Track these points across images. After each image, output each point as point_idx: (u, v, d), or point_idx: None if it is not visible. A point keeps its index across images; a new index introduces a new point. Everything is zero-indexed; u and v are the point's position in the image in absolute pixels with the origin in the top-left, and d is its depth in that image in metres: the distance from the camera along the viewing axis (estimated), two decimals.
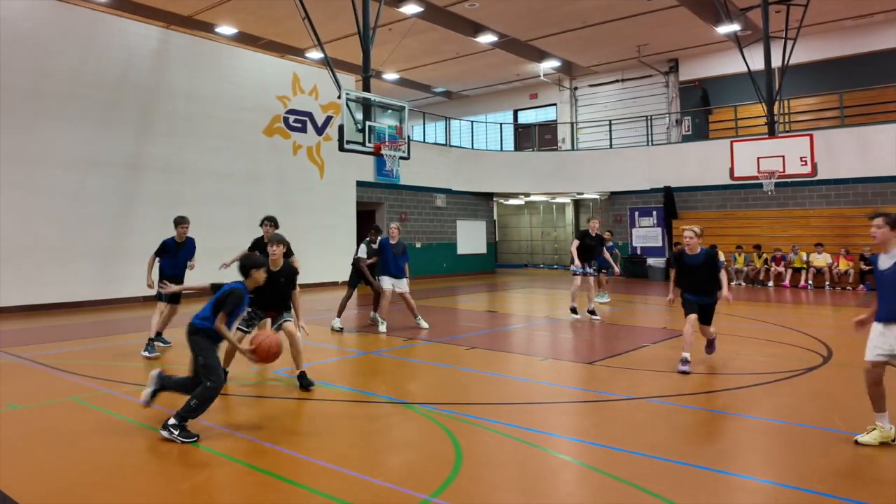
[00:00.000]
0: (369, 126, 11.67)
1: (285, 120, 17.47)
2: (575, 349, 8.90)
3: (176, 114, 15.20)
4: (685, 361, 6.87)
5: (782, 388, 6.27)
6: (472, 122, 26.31)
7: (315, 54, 21.89)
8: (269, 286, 5.91)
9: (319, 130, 18.33)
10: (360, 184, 19.49)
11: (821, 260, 17.40)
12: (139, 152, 14.53)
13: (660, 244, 21.72)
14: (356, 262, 10.54)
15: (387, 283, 10.19)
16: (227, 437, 4.82)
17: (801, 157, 16.46)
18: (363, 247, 10.57)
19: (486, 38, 21.12)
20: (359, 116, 11.75)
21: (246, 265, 5.34)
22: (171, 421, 4.71)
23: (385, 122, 12.42)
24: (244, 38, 20.19)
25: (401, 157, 12.02)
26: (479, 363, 7.70)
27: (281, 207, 17.10)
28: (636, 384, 6.44)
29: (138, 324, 11.22)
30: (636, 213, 22.61)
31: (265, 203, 16.78)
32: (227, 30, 19.91)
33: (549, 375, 7.01)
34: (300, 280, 6.75)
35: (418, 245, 21.30)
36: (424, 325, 10.27)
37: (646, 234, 22.30)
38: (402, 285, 10.31)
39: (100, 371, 7.17)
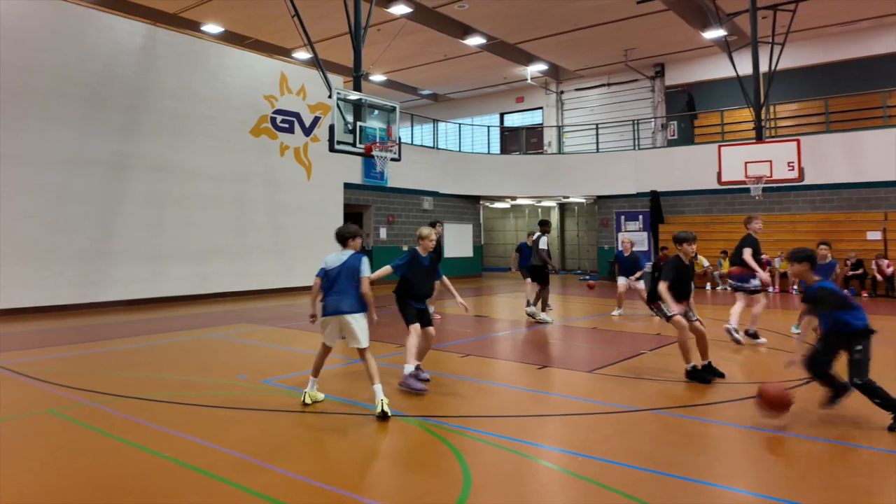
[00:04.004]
0: (360, 127, 11.33)
1: (272, 120, 17.04)
2: (572, 357, 8.63)
3: (163, 112, 14.73)
4: (419, 369, 6.50)
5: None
6: (459, 124, 26.03)
7: (302, 55, 21.50)
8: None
9: (307, 131, 17.93)
10: (347, 186, 19.11)
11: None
12: (125, 151, 14.04)
13: (646, 248, 21.55)
14: (537, 254, 11.41)
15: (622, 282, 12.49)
16: (211, 453, 4.46)
17: (788, 162, 16.34)
18: (544, 239, 11.56)
19: (475, 41, 20.87)
20: (349, 117, 11.43)
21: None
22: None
23: (372, 124, 12.07)
24: (230, 38, 19.74)
25: (392, 159, 11.69)
26: (475, 372, 7.39)
27: (268, 209, 16.72)
28: (639, 394, 6.17)
29: (123, 329, 10.80)
30: (622, 218, 22.45)
31: (253, 204, 16.39)
32: (213, 28, 19.46)
33: (549, 385, 6.72)
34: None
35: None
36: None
37: (632, 239, 22.09)
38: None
39: (80, 380, 6.76)
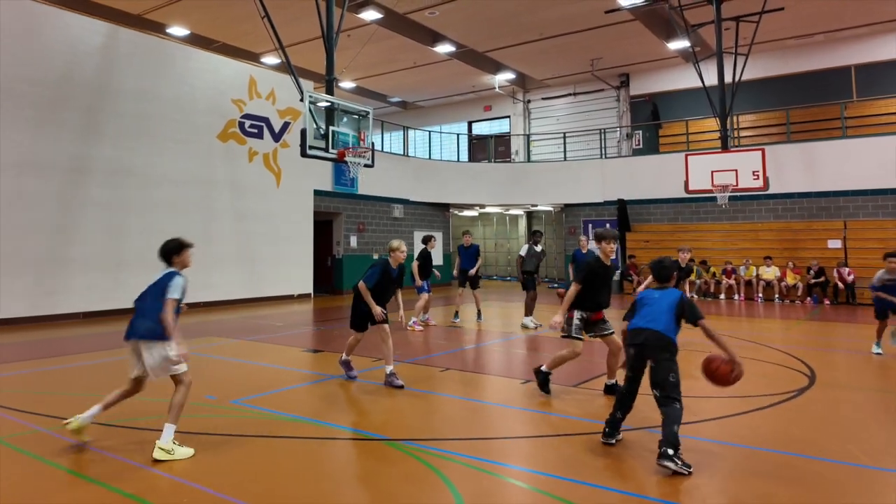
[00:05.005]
0: (332, 131, 10.83)
1: (241, 125, 16.34)
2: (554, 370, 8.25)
3: (125, 114, 13.93)
4: (349, 365, 7.21)
5: (782, 414, 5.77)
6: (429, 132, 25.63)
7: (271, 59, 20.86)
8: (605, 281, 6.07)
9: (276, 137, 17.28)
10: (317, 193, 18.49)
11: (769, 273, 17.37)
12: (84, 155, 13.22)
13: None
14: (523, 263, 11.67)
15: None
16: (180, 490, 3.94)
17: (753, 171, 16.40)
18: (525, 247, 11.72)
19: (444, 48, 20.54)
20: (321, 122, 10.92)
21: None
22: (670, 451, 4.20)
23: (342, 130, 11.57)
24: (197, 41, 18.98)
25: (365, 165, 11.21)
26: (457, 388, 6.97)
27: (236, 216, 16.05)
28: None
29: (80, 343, 10.06)
30: (590, 226, 22.27)
31: (220, 211, 15.69)
32: (179, 31, 18.70)
33: (535, 402, 6.32)
34: None
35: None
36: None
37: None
38: None
39: (31, 403, 6.13)
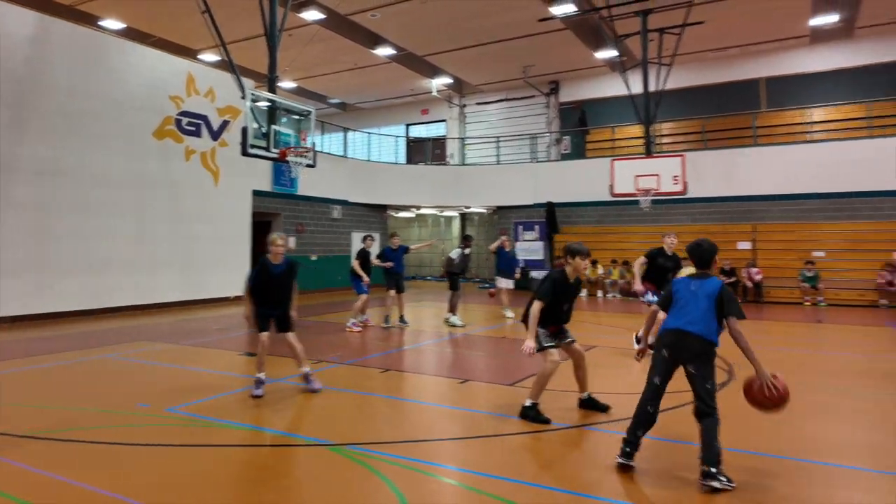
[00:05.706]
0: (274, 131, 10.50)
1: (178, 122, 15.57)
2: (491, 369, 8.27)
3: (54, 110, 12.99)
4: (259, 383, 6.30)
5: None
6: (369, 133, 25.32)
7: (209, 56, 20.11)
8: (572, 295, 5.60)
9: (215, 135, 16.60)
10: (256, 193, 17.90)
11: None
12: (8, 152, 12.24)
13: (542, 257, 21.70)
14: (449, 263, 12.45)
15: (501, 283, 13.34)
16: None
17: (673, 176, 16.91)
18: (458, 251, 12.37)
19: (385, 51, 20.34)
20: (262, 121, 10.57)
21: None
22: (713, 469, 3.90)
23: (284, 130, 11.23)
24: (132, 35, 18.02)
25: (307, 165, 10.92)
26: (397, 389, 6.88)
27: (171, 216, 15.34)
28: (567, 409, 5.85)
29: (6, 350, 9.36)
30: (520, 227, 22.52)
31: (155, 211, 14.93)
32: (113, 24, 17.73)
33: (474, 401, 6.30)
34: None
35: (314, 257, 20.01)
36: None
37: (529, 248, 22.18)
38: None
39: None
